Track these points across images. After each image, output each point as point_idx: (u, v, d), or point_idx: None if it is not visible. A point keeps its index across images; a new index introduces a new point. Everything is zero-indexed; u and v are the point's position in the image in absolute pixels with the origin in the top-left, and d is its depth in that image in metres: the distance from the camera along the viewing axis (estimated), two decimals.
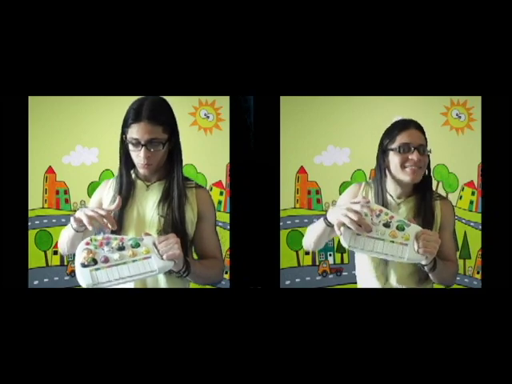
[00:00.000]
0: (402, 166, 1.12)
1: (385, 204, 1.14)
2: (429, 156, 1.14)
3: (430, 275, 1.10)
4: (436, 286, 1.20)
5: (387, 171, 1.15)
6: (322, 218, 1.09)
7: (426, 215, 1.14)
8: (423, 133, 1.14)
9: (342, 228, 1.03)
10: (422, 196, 1.15)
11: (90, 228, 1.01)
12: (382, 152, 1.15)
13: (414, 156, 1.10)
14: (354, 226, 1.01)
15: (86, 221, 1.00)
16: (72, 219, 1.04)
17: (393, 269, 1.15)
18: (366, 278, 1.18)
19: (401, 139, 1.12)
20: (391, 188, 1.16)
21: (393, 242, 1.03)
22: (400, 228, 1.04)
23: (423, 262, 1.04)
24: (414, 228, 1.04)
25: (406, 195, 1.16)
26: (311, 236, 1.15)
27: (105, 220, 1.01)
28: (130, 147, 1.08)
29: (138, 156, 1.08)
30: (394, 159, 1.13)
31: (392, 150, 1.12)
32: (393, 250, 1.02)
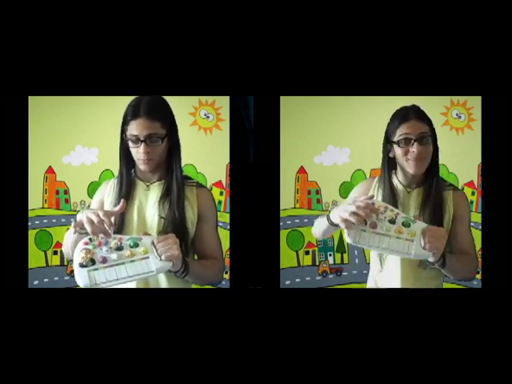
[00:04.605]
0: (405, 159, 1.12)
1: (395, 193, 1.13)
2: (436, 144, 1.12)
3: (443, 272, 1.09)
4: (446, 285, 1.20)
5: (396, 161, 1.15)
6: (325, 216, 1.07)
7: (435, 205, 1.12)
8: (424, 120, 1.13)
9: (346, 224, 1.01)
10: (430, 185, 1.13)
11: (92, 236, 0.99)
12: (388, 142, 1.15)
13: (414, 148, 1.10)
14: (359, 220, 0.99)
15: (88, 228, 0.97)
16: (73, 223, 1.00)
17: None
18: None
19: (400, 132, 1.11)
20: (401, 177, 1.16)
21: (399, 238, 1.02)
22: (406, 224, 1.03)
23: (430, 259, 1.03)
24: (420, 224, 1.03)
25: (416, 184, 1.15)
26: (318, 229, 1.16)
27: (105, 225, 0.97)
28: (130, 144, 1.09)
29: (137, 152, 1.09)
30: (397, 151, 1.13)
31: (394, 142, 1.12)
32: (399, 246, 1.02)
